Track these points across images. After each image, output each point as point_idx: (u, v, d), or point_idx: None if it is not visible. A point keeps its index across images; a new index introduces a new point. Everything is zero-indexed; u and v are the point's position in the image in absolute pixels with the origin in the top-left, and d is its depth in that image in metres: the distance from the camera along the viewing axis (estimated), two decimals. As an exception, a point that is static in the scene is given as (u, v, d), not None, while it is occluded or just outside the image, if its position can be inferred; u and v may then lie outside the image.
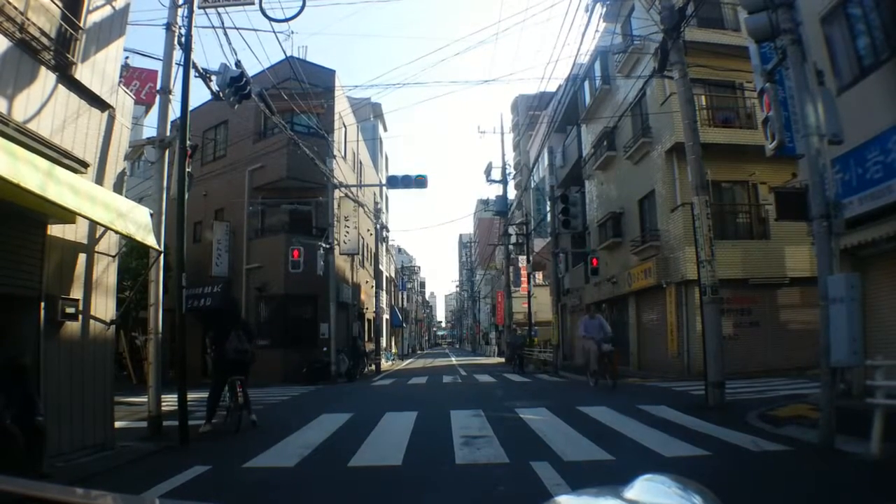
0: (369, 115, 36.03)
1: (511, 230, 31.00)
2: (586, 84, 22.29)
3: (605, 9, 13.91)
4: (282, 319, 19.35)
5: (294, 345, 18.64)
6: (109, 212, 5.43)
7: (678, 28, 9.62)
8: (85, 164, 5.86)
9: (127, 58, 12.41)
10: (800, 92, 6.58)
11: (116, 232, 5.75)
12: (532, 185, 32.32)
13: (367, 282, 28.32)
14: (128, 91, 7.24)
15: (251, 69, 11.24)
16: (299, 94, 16.39)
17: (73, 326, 5.85)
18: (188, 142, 7.20)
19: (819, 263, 6.23)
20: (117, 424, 8.34)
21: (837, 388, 6.26)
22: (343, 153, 22.83)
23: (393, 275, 46.27)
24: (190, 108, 7.70)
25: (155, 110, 12.59)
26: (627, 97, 16.47)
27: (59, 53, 5.86)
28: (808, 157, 6.40)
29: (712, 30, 15.98)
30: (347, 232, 20.39)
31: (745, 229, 16.20)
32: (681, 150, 15.02)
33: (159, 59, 8.02)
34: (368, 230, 27.33)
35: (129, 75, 21.25)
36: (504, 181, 30.03)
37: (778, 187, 10.33)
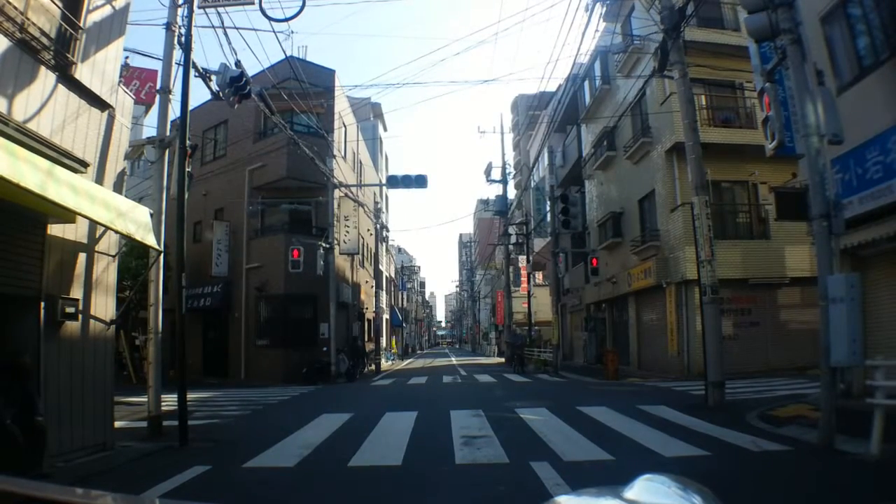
0: (369, 115, 36.04)
1: (511, 230, 30.98)
2: (586, 84, 22.28)
3: (604, 8, 13.91)
4: (282, 319, 19.33)
5: (294, 345, 18.62)
6: (109, 211, 5.42)
7: (678, 28, 9.62)
8: (85, 164, 5.86)
9: (127, 57, 12.38)
10: (800, 92, 6.58)
11: (116, 231, 5.75)
12: (532, 185, 32.31)
13: (366, 282, 28.31)
14: (127, 91, 7.23)
15: (251, 69, 11.25)
16: (299, 93, 16.37)
17: (72, 326, 5.85)
18: (188, 141, 7.19)
19: (819, 263, 6.23)
20: (117, 424, 8.31)
21: (837, 389, 6.26)
22: (343, 153, 22.82)
23: (393, 275, 46.26)
24: (190, 108, 7.69)
25: (155, 110, 12.60)
26: (627, 97, 16.46)
27: (59, 53, 5.86)
28: (808, 156, 6.40)
29: (712, 29, 15.99)
30: (347, 232, 20.38)
31: (745, 229, 16.20)
32: (681, 150, 15.01)
33: (159, 59, 8.03)
34: (368, 230, 27.32)
35: (129, 75, 21.22)
36: (504, 181, 30.01)
37: (778, 187, 10.33)
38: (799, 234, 14.04)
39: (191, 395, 12.71)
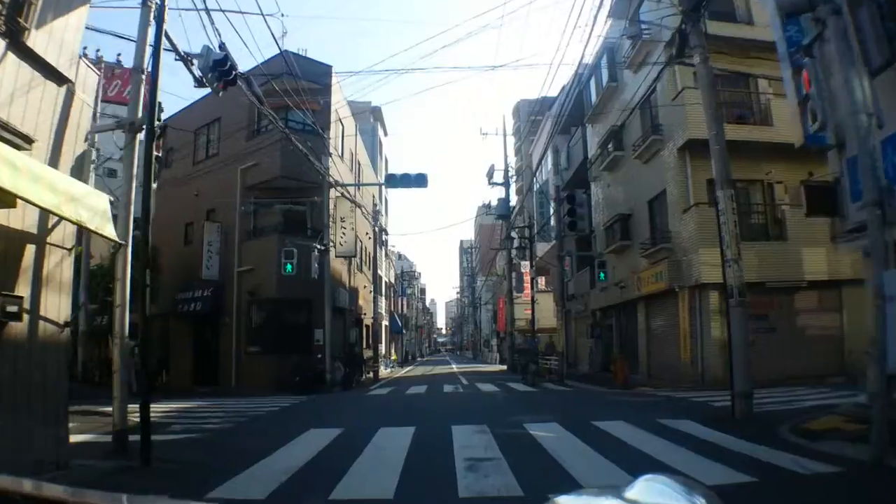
0: (369, 118, 35.44)
1: (513, 234, 30.20)
2: (592, 82, 21.63)
3: (614, -3, 13.25)
4: (274, 325, 18.51)
5: (287, 351, 17.70)
6: (57, 195, 4.68)
7: (698, 9, 8.93)
8: (29, 140, 5.11)
9: (119, 55, 11.74)
10: (845, 66, 5.88)
11: (63, 217, 5.00)
12: (535, 189, 31.62)
13: (365, 286, 27.53)
14: (91, 66, 6.51)
15: (244, 66, 10.60)
16: (294, 89, 15.66)
17: (16, 328, 5.08)
18: (157, 122, 6.46)
19: (874, 257, 5.47)
20: (85, 438, 7.57)
21: (892, 399, 5.53)
22: (340, 151, 22.11)
23: (392, 280, 45.48)
24: (183, 106, 7.05)
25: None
26: (636, 94, 15.79)
27: (10, 17, 5.18)
28: (857, 136, 5.69)
29: (724, 22, 15.32)
30: (344, 233, 19.57)
31: (760, 230, 15.46)
32: (694, 148, 14.33)
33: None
34: (367, 233, 26.55)
35: (113, 75, 20.71)
36: (506, 184, 29.28)
37: (807, 180, 9.60)
38: (818, 234, 13.33)
39: (174, 405, 12.00)
